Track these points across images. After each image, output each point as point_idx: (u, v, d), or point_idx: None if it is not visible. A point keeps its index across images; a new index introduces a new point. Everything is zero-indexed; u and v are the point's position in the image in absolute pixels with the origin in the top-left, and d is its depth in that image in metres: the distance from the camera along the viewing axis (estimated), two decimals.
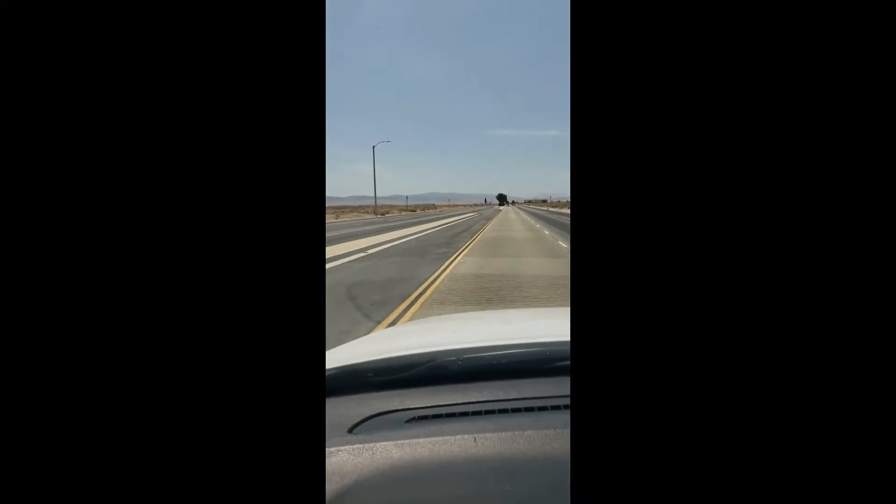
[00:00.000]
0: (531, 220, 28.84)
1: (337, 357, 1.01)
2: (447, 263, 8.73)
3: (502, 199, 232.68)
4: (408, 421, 0.75)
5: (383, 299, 5.52)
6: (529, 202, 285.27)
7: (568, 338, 0.96)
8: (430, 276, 7.20)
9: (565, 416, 0.70)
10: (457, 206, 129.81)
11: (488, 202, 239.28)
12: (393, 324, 4.48)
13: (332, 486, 0.55)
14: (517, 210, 63.35)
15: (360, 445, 0.61)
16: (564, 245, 11.85)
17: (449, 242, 13.46)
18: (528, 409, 0.76)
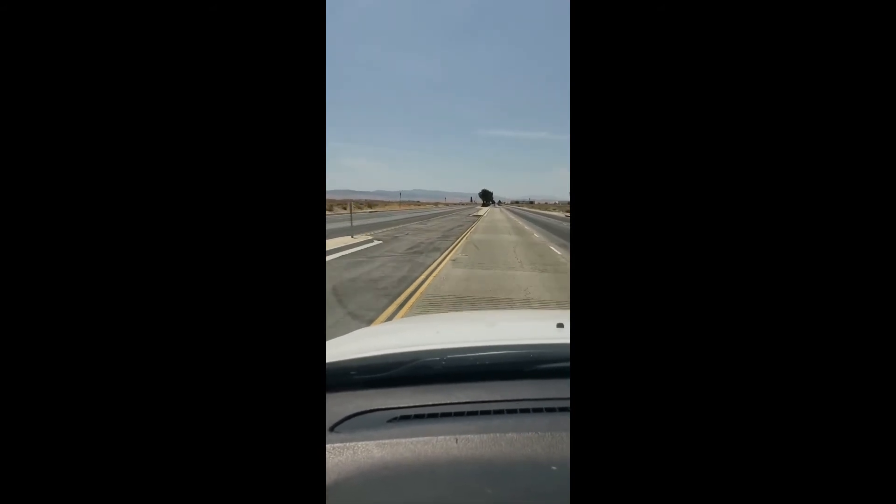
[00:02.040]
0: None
1: None
2: None
3: (487, 196, 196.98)
4: (390, 420, 0.75)
5: None
6: (517, 203, 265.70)
7: (551, 341, 1.00)
8: None
9: (547, 420, 0.70)
10: (420, 205, 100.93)
11: (473, 201, 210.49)
12: None
13: None
14: (510, 216, 37.30)
15: (342, 444, 0.61)
16: None
17: None
18: (511, 412, 0.76)
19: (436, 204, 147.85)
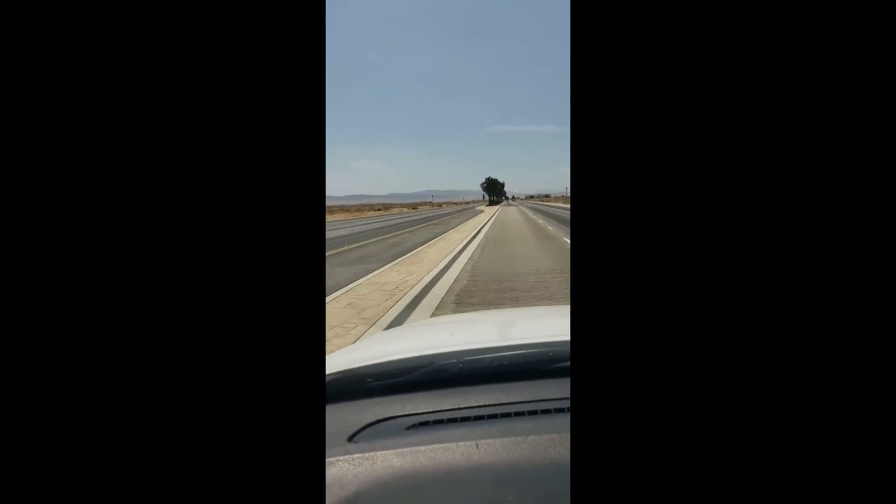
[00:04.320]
0: None
1: (334, 362, 0.99)
2: None
3: (495, 189, 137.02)
4: (409, 427, 0.74)
5: None
6: (531, 197, 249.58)
7: (568, 337, 1.02)
8: None
9: (568, 419, 0.70)
10: (385, 209, 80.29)
11: (485, 198, 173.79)
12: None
13: (332, 497, 0.54)
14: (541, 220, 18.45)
15: (360, 455, 0.61)
16: None
17: None
18: (532, 413, 0.75)
19: (414, 207, 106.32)
